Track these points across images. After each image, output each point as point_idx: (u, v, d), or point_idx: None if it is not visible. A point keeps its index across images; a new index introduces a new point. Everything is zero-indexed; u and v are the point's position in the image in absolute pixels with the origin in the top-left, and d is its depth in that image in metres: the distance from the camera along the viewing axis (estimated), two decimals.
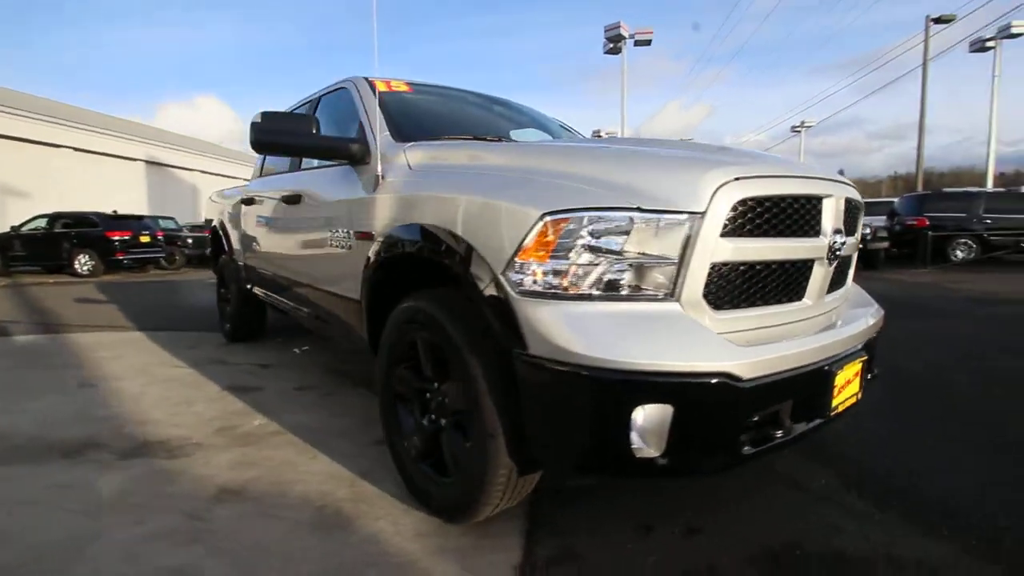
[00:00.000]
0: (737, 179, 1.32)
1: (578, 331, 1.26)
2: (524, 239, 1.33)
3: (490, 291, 1.39)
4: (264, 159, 3.54)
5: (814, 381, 1.43)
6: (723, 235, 1.30)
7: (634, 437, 1.23)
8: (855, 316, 1.76)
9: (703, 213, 1.28)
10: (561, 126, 3.19)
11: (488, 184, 1.50)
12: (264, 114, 2.13)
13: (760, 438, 1.34)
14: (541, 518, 1.71)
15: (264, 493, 1.87)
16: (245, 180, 4.30)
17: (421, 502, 1.76)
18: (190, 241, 15.05)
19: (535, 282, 1.33)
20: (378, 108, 2.27)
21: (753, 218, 1.36)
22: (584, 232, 1.29)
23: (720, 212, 1.29)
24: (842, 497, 1.82)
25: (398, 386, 1.87)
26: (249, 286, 3.73)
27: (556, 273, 1.31)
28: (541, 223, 1.31)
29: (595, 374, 1.22)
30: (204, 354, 3.88)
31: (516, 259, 1.35)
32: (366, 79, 2.51)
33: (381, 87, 2.46)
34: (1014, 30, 14.26)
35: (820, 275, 1.58)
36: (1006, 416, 2.57)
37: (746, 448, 1.31)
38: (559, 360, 1.26)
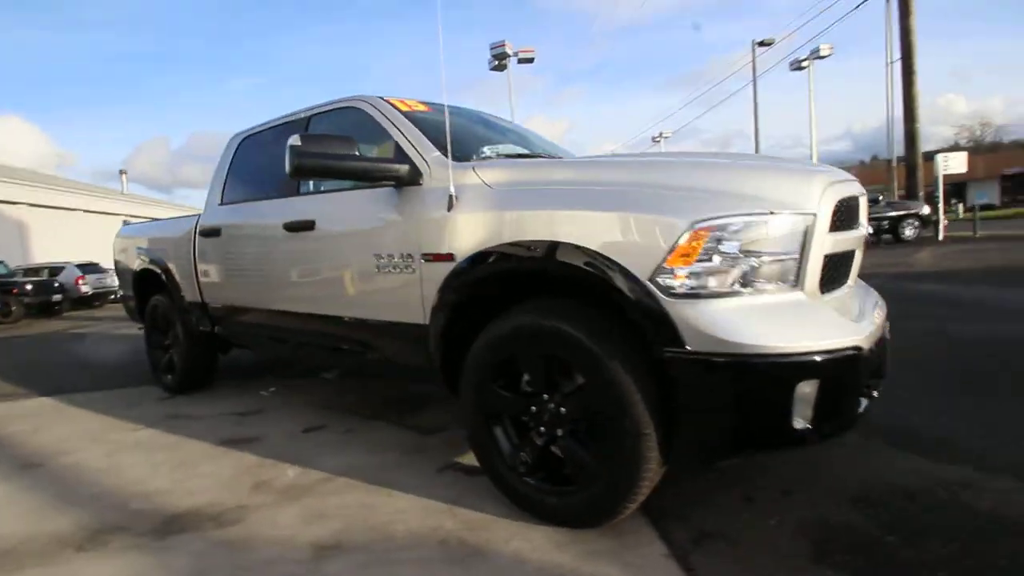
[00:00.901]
0: (832, 183, 1.57)
1: (735, 324, 1.40)
2: (672, 247, 1.44)
3: (638, 297, 1.47)
4: (224, 186, 3.20)
5: (883, 349, 1.73)
6: (829, 231, 1.54)
7: (793, 412, 1.40)
8: (866, 293, 2.12)
9: (816, 214, 1.50)
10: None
11: (616, 199, 1.58)
12: (304, 137, 2.00)
13: (866, 397, 1.59)
14: (654, 511, 1.81)
15: (367, 540, 1.74)
16: (122, 214, 3.82)
17: (540, 516, 1.76)
18: (29, 288, 12.65)
19: (684, 285, 1.45)
20: (416, 128, 2.23)
21: (839, 215, 1.61)
22: (727, 236, 1.44)
23: (826, 211, 1.52)
24: (886, 448, 2.17)
25: (493, 406, 1.86)
26: (213, 327, 3.32)
27: (704, 275, 1.44)
28: (689, 231, 1.44)
29: (760, 360, 1.37)
30: (155, 411, 3.37)
31: (664, 265, 1.45)
32: (382, 99, 2.43)
33: (402, 107, 2.41)
34: (823, 52, 17.55)
35: (857, 261, 1.90)
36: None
37: (860, 408, 1.54)
38: (722, 352, 1.39)
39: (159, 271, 3.61)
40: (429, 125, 2.29)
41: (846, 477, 1.94)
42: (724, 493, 1.90)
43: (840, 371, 1.42)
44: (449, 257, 1.90)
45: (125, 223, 4.47)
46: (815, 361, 1.38)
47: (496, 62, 15.46)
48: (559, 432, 1.73)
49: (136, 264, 3.92)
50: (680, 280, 1.45)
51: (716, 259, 1.44)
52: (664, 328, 1.45)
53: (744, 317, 1.42)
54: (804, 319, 1.45)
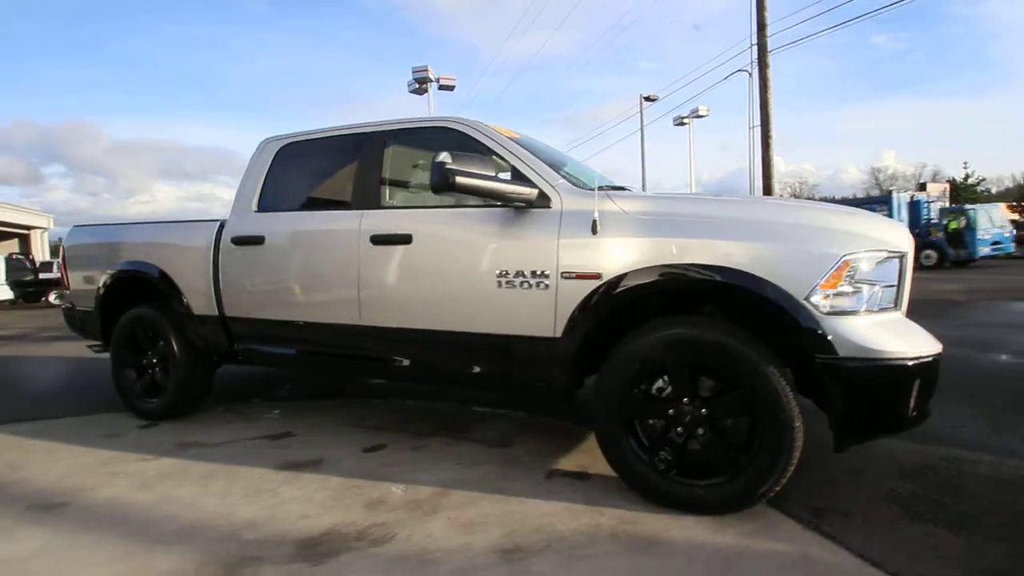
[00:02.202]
0: (908, 233, 2.07)
1: (873, 336, 1.80)
2: (827, 273, 1.81)
3: (797, 314, 1.81)
4: (261, 192, 2.99)
5: None
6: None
7: (909, 403, 1.82)
8: None
9: (906, 253, 1.97)
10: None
11: (770, 233, 1.92)
12: (454, 155, 2.08)
13: None
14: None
15: (542, 541, 1.82)
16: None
17: (683, 507, 1.98)
18: None
19: (830, 305, 1.82)
20: (531, 153, 2.40)
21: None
22: (863, 266, 1.85)
23: (910, 251, 2.00)
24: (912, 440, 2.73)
25: (634, 410, 2.07)
26: (231, 343, 3.04)
27: (845, 296, 1.83)
28: (840, 261, 1.82)
29: (893, 364, 1.78)
30: (154, 440, 2.97)
31: (819, 287, 1.82)
32: (482, 123, 2.56)
33: (504, 132, 2.56)
34: (700, 112, 20.45)
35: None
36: None
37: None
38: (865, 358, 1.78)
39: (152, 280, 3.20)
40: (532, 150, 2.47)
41: (881, 460, 2.44)
42: (806, 480, 2.28)
43: (933, 371, 1.88)
44: (596, 276, 2.09)
45: (76, 225, 3.84)
46: (925, 363, 1.82)
47: (417, 85, 15.55)
48: (700, 431, 1.99)
49: (106, 271, 3.42)
50: (828, 301, 1.82)
51: (853, 285, 1.84)
52: (818, 339, 1.80)
53: (877, 330, 1.82)
54: (908, 333, 1.90)
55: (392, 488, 2.27)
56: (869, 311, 1.86)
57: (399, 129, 2.73)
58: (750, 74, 19.10)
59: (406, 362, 2.55)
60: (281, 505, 2.15)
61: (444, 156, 2.07)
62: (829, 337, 1.80)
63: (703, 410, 1.98)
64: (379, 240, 2.53)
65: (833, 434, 1.89)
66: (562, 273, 2.15)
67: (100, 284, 3.43)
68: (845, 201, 24.97)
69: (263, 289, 2.89)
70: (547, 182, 2.28)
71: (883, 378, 1.79)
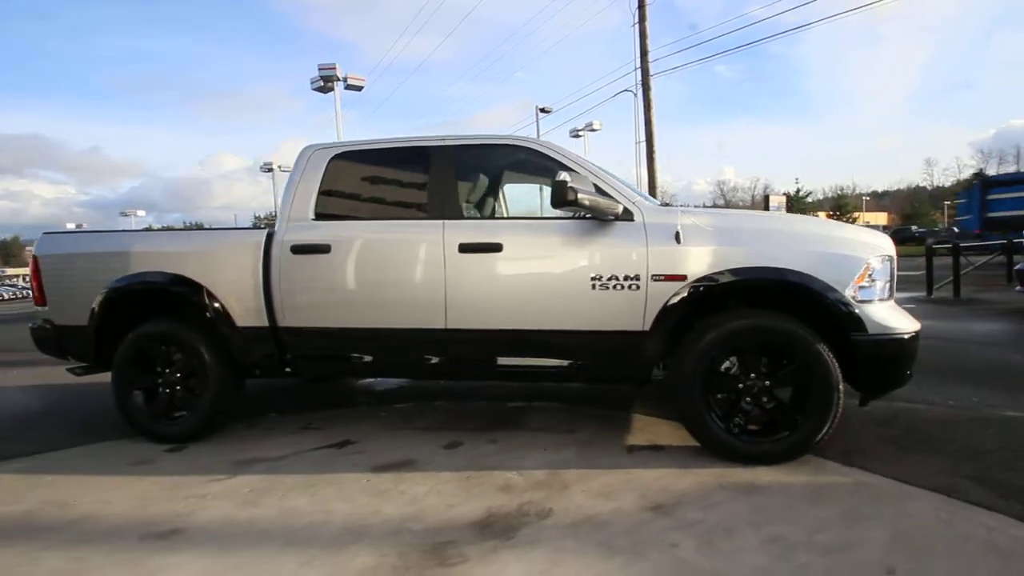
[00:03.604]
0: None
1: (888, 318, 2.46)
2: (857, 272, 2.44)
3: (842, 305, 2.41)
4: (316, 201, 2.95)
5: None
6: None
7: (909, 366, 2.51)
8: None
9: (893, 255, 2.68)
10: None
11: (819, 243, 2.50)
12: (572, 174, 2.38)
13: None
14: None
15: (670, 498, 2.19)
16: None
17: (755, 461, 2.47)
18: None
19: (860, 296, 2.45)
20: (605, 172, 2.78)
21: None
22: (876, 266, 2.50)
23: (894, 253, 2.72)
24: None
25: (715, 385, 2.53)
26: (282, 353, 2.97)
27: (869, 289, 2.47)
28: (865, 263, 2.45)
29: (904, 337, 2.45)
30: (202, 460, 2.80)
31: (854, 283, 2.43)
32: (553, 143, 2.87)
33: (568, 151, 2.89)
34: (595, 126, 22.18)
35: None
36: None
37: None
38: (885, 335, 2.43)
39: (184, 291, 2.99)
40: (599, 168, 2.84)
41: (859, 415, 3.18)
42: (844, 443, 2.92)
43: (917, 342, 2.60)
44: (683, 278, 2.52)
45: (47, 232, 3.34)
46: (915, 336, 2.52)
47: (322, 83, 14.80)
48: (764, 399, 2.52)
49: (105, 283, 3.08)
50: (857, 293, 2.45)
51: (871, 281, 2.49)
52: (856, 321, 2.42)
53: (887, 313, 2.49)
54: (902, 314, 2.59)
55: (507, 475, 2.49)
56: (880, 300, 2.53)
57: (472, 144, 2.93)
58: (635, 94, 21.19)
59: (496, 361, 2.77)
60: (418, 500, 2.26)
61: (564, 175, 2.36)
62: (862, 319, 2.42)
63: (766, 382, 2.52)
64: (467, 248, 2.72)
65: (860, 393, 2.53)
66: (652, 276, 2.55)
67: (98, 298, 3.09)
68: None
69: (331, 298, 2.88)
70: (627, 199, 2.67)
71: (895, 348, 2.46)
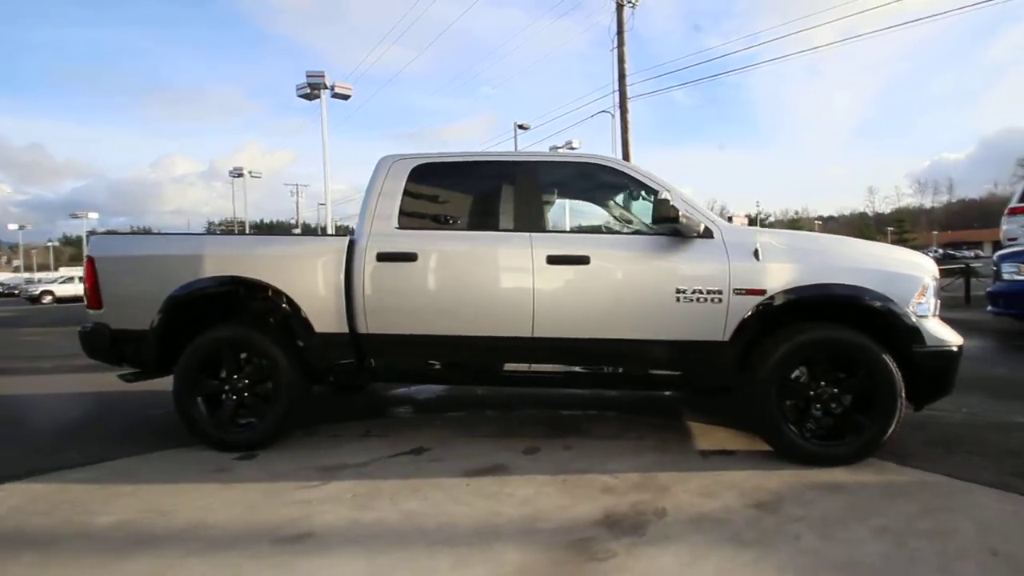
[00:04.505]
0: None
1: (942, 332, 2.74)
2: (918, 290, 2.71)
3: (904, 319, 2.66)
4: (400, 211, 3.00)
5: None
6: None
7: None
8: None
9: (937, 276, 2.98)
10: None
11: (876, 262, 2.76)
12: (667, 193, 2.57)
13: None
14: None
15: (768, 496, 2.36)
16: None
17: (825, 463, 2.67)
18: None
19: (918, 312, 2.72)
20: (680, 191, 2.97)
21: None
22: (931, 285, 2.78)
23: (937, 274, 3.03)
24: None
25: (790, 392, 2.73)
26: (362, 360, 2.98)
27: (926, 306, 2.75)
28: (923, 282, 2.73)
29: (954, 349, 2.73)
30: (283, 467, 2.78)
31: (914, 300, 2.70)
32: (634, 164, 3.04)
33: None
34: (574, 144, 22.76)
35: None
36: None
37: None
38: (939, 347, 2.70)
39: (262, 296, 2.97)
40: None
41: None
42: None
43: (960, 355, 2.89)
44: (762, 292, 2.73)
45: (105, 232, 3.22)
46: (960, 348, 2.81)
47: (309, 90, 14.58)
48: (833, 406, 2.74)
49: (172, 286, 3.02)
50: (916, 310, 2.72)
51: (926, 299, 2.77)
52: (917, 335, 2.68)
53: (938, 328, 2.77)
54: (950, 329, 2.88)
55: (601, 478, 2.59)
56: (933, 315, 2.81)
57: (555, 161, 3.08)
58: (612, 115, 21.89)
59: (580, 368, 2.88)
60: (530, 502, 2.34)
61: (666, 194, 2.53)
62: (921, 333, 2.69)
63: (835, 390, 2.74)
64: (555, 260, 2.84)
65: (915, 399, 2.79)
66: (734, 290, 2.75)
67: (165, 301, 3.02)
68: None
69: (417, 305, 2.93)
70: (707, 218, 2.87)
71: (947, 359, 2.73)
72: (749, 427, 3.26)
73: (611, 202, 3.27)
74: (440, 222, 3.12)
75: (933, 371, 2.73)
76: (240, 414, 3.09)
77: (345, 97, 15.13)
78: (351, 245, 3.01)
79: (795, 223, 46.90)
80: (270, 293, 2.98)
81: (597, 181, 3.11)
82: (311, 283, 2.99)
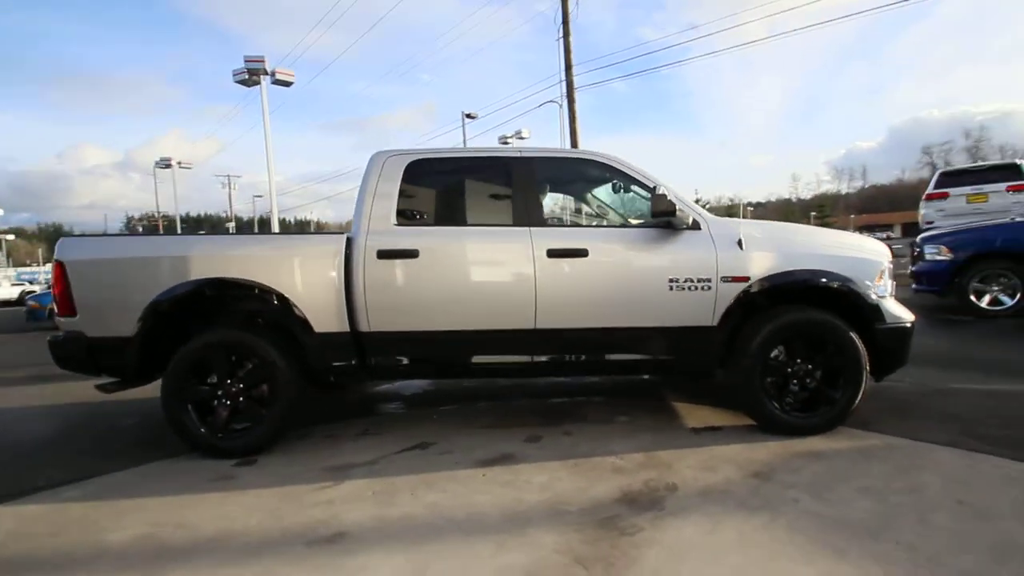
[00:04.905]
0: None
1: (897, 310, 3.06)
2: (878, 273, 3.01)
3: (868, 300, 2.96)
4: (396, 207, 2.99)
5: None
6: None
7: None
8: None
9: (891, 259, 3.31)
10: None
11: (851, 251, 3.03)
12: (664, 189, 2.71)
13: None
14: None
15: (762, 466, 2.58)
16: None
17: (802, 433, 2.94)
18: None
19: (878, 292, 3.03)
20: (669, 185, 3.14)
21: None
22: (888, 268, 3.10)
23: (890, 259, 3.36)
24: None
25: (770, 371, 2.97)
26: (364, 359, 2.97)
27: (883, 287, 3.06)
28: (882, 266, 3.03)
29: (908, 325, 3.06)
30: (291, 470, 2.75)
31: (875, 283, 3.00)
32: (624, 158, 3.17)
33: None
34: (523, 134, 22.85)
35: None
36: None
37: None
38: (896, 324, 3.02)
39: (259, 297, 2.88)
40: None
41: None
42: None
43: (913, 328, 3.24)
44: (746, 279, 2.94)
45: (76, 235, 2.99)
46: (913, 325, 3.16)
47: (247, 75, 13.75)
48: (808, 380, 3.01)
49: (155, 289, 2.89)
50: (876, 291, 3.03)
51: (884, 280, 3.08)
52: (878, 313, 2.98)
53: (895, 307, 3.09)
54: (903, 308, 3.22)
55: (607, 460, 2.74)
56: (889, 296, 3.13)
57: (549, 157, 3.16)
58: (560, 105, 22.13)
59: (579, 357, 3.00)
60: (549, 487, 2.45)
61: (664, 189, 2.68)
62: (881, 311, 3.00)
63: (809, 366, 3.01)
64: (555, 253, 2.94)
65: (876, 372, 3.11)
66: (722, 277, 2.95)
67: (149, 306, 2.88)
68: None
69: (420, 302, 2.94)
70: (694, 211, 3.05)
71: (904, 334, 3.06)
72: (727, 404, 3.52)
73: (603, 196, 3.40)
74: (438, 218, 3.14)
75: (892, 345, 3.05)
76: (234, 419, 3.01)
77: (287, 84, 14.46)
78: (349, 243, 2.98)
79: (730, 210, 49.43)
80: (266, 294, 2.90)
81: (591, 176, 3.22)
82: (309, 283, 2.94)
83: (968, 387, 3.83)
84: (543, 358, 3.04)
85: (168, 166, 24.34)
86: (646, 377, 4.39)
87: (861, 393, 2.98)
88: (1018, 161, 8.77)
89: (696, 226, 3.02)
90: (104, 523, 2.25)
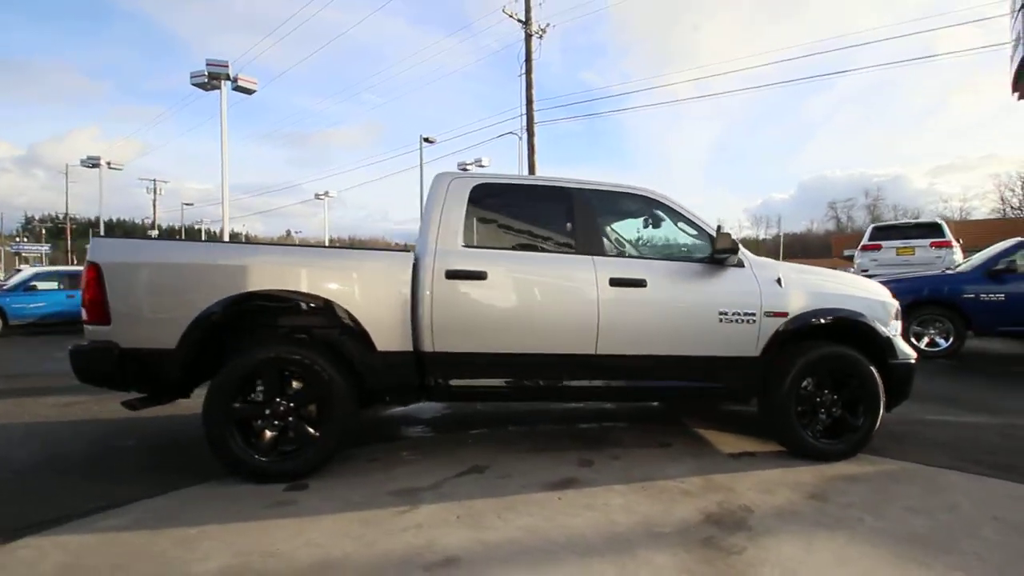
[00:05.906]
0: None
1: (905, 347, 3.43)
2: (895, 314, 3.38)
3: (883, 337, 3.30)
4: (464, 230, 3.00)
5: None
6: None
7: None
8: None
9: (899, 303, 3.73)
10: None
11: (863, 291, 3.38)
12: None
13: None
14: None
15: (813, 488, 2.78)
16: None
17: (827, 459, 3.19)
18: None
19: (891, 331, 3.39)
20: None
21: None
22: (898, 309, 3.48)
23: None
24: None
25: (801, 400, 3.23)
26: (424, 379, 2.91)
27: (896, 327, 3.43)
28: (895, 308, 3.41)
29: (914, 362, 3.44)
30: (355, 496, 2.63)
31: (890, 322, 3.36)
32: (671, 197, 3.39)
33: None
34: (483, 163, 23.11)
35: None
36: None
37: None
38: (906, 361, 3.39)
39: (321, 312, 2.77)
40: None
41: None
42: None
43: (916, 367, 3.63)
44: (785, 314, 3.20)
45: (110, 238, 2.72)
46: (917, 361, 3.55)
47: (206, 79, 13.00)
48: (834, 409, 3.29)
49: (206, 299, 2.71)
50: (890, 330, 3.39)
51: (895, 320, 3.46)
52: (892, 350, 3.34)
53: (903, 345, 3.47)
54: (908, 346, 3.61)
55: (670, 483, 2.84)
56: (898, 335, 3.51)
57: (608, 191, 3.31)
58: (520, 137, 22.71)
59: (636, 383, 3.11)
60: (632, 509, 2.51)
61: (727, 230, 2.89)
62: (895, 348, 3.35)
63: (835, 396, 3.30)
64: (617, 283, 3.06)
65: (887, 403, 3.46)
66: (765, 312, 3.19)
67: (199, 315, 2.69)
68: None
69: (485, 323, 2.95)
70: (740, 250, 3.30)
71: (909, 369, 3.43)
72: (749, 431, 3.75)
73: (655, 230, 3.59)
74: (503, 242, 3.19)
75: (901, 379, 3.40)
76: (281, 441, 2.83)
77: (249, 91, 13.89)
78: (415, 262, 2.95)
79: None
80: (330, 309, 2.80)
81: (644, 211, 3.41)
82: (376, 299, 2.87)
83: (943, 419, 4.29)
84: (599, 383, 3.13)
85: (96, 166, 22.23)
86: (655, 404, 4.57)
87: (879, 422, 3.29)
88: (939, 220, 10.07)
89: (740, 264, 3.27)
90: (175, 553, 2.05)
